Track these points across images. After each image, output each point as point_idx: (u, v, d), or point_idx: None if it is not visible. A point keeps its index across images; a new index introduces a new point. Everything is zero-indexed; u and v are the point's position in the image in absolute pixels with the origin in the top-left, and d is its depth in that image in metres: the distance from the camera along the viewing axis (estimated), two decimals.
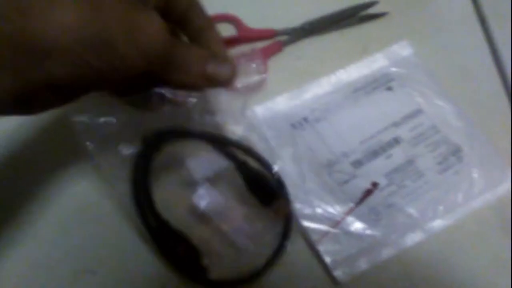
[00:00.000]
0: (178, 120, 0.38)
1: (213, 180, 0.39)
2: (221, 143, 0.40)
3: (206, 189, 0.39)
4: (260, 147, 0.43)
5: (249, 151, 0.41)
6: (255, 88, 0.46)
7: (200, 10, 0.35)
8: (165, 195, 0.40)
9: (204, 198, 0.39)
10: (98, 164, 0.37)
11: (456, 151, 0.44)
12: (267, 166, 0.40)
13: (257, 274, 0.39)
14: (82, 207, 0.41)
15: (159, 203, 0.39)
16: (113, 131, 0.36)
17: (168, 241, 0.39)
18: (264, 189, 0.40)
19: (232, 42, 0.48)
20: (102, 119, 0.36)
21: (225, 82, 0.35)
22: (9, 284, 0.39)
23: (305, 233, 0.40)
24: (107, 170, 0.38)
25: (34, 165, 0.43)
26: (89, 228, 0.41)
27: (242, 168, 0.40)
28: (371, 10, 0.50)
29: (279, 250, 0.39)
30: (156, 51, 0.29)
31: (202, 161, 0.40)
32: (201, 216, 0.39)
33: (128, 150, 0.38)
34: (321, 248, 0.40)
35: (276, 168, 0.40)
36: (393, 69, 0.48)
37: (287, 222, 0.40)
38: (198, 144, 0.40)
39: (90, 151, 0.36)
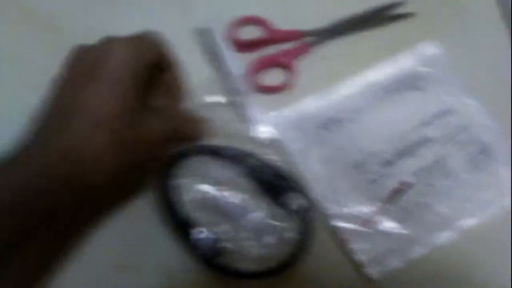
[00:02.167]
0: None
1: (232, 184, 0.42)
2: (234, 155, 0.43)
3: (227, 193, 0.42)
4: (287, 147, 0.44)
5: (257, 157, 0.43)
6: (282, 90, 0.47)
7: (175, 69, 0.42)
8: (193, 199, 0.42)
9: (225, 201, 0.41)
10: None
11: (485, 150, 0.45)
12: (276, 168, 0.43)
13: (283, 266, 0.40)
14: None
15: (188, 205, 0.41)
16: None
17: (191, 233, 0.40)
18: (274, 188, 0.42)
19: (259, 43, 0.49)
20: None
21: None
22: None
23: (334, 232, 0.41)
24: None
25: None
26: (121, 224, 0.42)
27: (254, 172, 0.42)
28: (398, 10, 0.50)
29: (301, 244, 0.40)
30: (160, 143, 0.38)
31: (221, 168, 0.43)
32: (225, 215, 0.41)
33: None
34: (353, 246, 0.40)
35: (286, 169, 0.43)
36: (421, 68, 0.48)
37: (305, 218, 0.41)
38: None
39: None
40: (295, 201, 0.41)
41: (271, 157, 0.43)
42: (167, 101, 0.42)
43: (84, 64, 0.36)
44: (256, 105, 0.46)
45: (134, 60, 0.36)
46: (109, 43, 0.37)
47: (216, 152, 0.43)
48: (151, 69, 0.38)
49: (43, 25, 0.50)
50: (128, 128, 0.35)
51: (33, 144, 0.34)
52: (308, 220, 0.40)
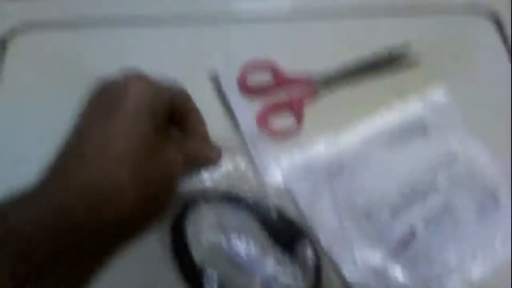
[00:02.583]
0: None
1: (244, 234, 0.43)
2: (245, 202, 0.44)
3: (238, 242, 0.42)
4: (296, 194, 0.44)
5: (269, 209, 0.44)
6: (291, 134, 0.48)
7: (196, 113, 0.42)
8: (204, 245, 0.42)
9: (236, 250, 0.42)
10: None
11: (493, 197, 0.45)
12: (287, 217, 0.43)
13: None
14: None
15: (200, 253, 0.42)
16: None
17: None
18: (286, 239, 0.42)
19: (269, 88, 0.50)
20: None
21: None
22: None
23: (344, 281, 0.41)
24: None
25: None
26: (132, 267, 0.42)
27: (265, 222, 0.43)
28: (405, 56, 0.51)
29: None
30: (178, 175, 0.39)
31: (233, 216, 0.43)
32: (236, 264, 0.41)
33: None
34: None
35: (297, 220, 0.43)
36: (428, 114, 0.49)
37: (317, 269, 0.41)
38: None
39: None
40: (307, 252, 0.41)
41: (281, 203, 0.44)
42: (188, 143, 0.42)
43: (104, 99, 0.37)
44: (266, 150, 0.46)
45: (151, 97, 0.37)
46: (127, 79, 0.37)
47: (227, 199, 0.44)
48: (169, 107, 0.39)
49: (68, 66, 0.51)
50: (148, 163, 0.35)
51: (51, 178, 0.34)
52: (319, 271, 0.41)
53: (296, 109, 0.49)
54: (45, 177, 0.34)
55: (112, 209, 0.33)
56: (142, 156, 0.35)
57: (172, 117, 0.40)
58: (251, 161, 0.46)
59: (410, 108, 0.49)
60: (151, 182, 0.35)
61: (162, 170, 0.36)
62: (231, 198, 0.44)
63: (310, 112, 0.49)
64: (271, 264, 0.41)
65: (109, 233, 0.34)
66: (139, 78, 0.38)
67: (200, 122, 0.42)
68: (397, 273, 0.41)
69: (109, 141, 0.34)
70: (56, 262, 0.33)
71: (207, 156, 0.43)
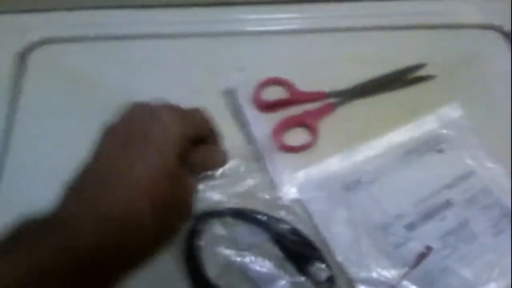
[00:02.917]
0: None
1: (257, 250, 0.42)
2: (259, 218, 0.44)
3: (251, 258, 0.42)
4: (311, 208, 0.44)
5: (283, 224, 0.44)
6: (306, 149, 0.48)
7: (215, 135, 0.43)
8: (218, 262, 0.42)
9: (249, 266, 0.42)
10: None
11: (509, 213, 0.45)
12: (302, 235, 0.43)
13: None
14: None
15: (213, 270, 0.42)
16: None
17: None
18: (300, 257, 0.42)
19: (283, 104, 0.50)
20: None
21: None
22: None
23: None
24: None
25: None
26: (148, 286, 0.42)
27: (279, 239, 0.43)
28: (420, 73, 0.52)
29: None
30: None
31: (247, 232, 0.43)
32: (249, 281, 0.41)
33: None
34: None
35: (311, 235, 0.43)
36: (444, 131, 0.49)
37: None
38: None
39: None
40: (321, 272, 0.41)
41: (296, 218, 0.44)
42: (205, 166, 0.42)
43: (131, 127, 0.37)
44: (280, 165, 0.47)
45: (178, 128, 0.37)
46: (160, 110, 0.38)
47: (241, 215, 0.44)
48: (193, 134, 0.39)
49: (87, 80, 0.52)
50: (168, 192, 0.36)
51: (74, 206, 0.34)
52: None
53: (311, 124, 0.49)
54: (67, 202, 0.34)
55: (133, 242, 0.34)
56: (164, 186, 0.35)
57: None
58: (266, 175, 0.46)
59: (425, 124, 0.49)
60: (170, 211, 0.36)
61: (180, 196, 0.37)
62: (244, 214, 0.44)
63: (325, 127, 0.49)
64: (285, 280, 0.41)
65: (127, 259, 0.35)
66: (173, 110, 0.38)
67: (217, 141, 0.43)
68: None
69: (133, 171, 0.35)
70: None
71: (213, 159, 0.42)
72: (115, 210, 0.34)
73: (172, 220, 0.37)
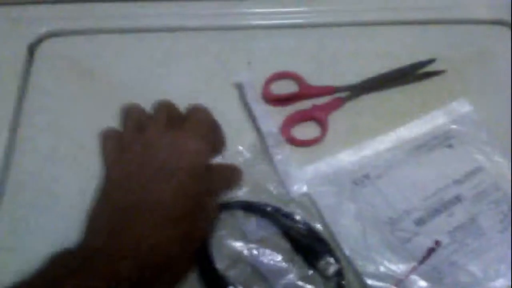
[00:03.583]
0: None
1: (266, 243, 0.43)
2: (268, 211, 0.44)
3: (260, 251, 0.42)
4: (320, 203, 0.44)
5: (292, 217, 0.44)
6: (315, 144, 0.48)
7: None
8: (227, 254, 0.42)
9: (258, 259, 0.42)
10: None
11: None
12: (310, 228, 0.43)
13: None
14: None
15: (222, 262, 0.42)
16: None
17: None
18: (309, 251, 0.42)
19: (293, 98, 0.50)
20: None
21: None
22: None
23: None
24: None
25: None
26: None
27: (288, 232, 0.43)
28: (429, 68, 0.51)
29: None
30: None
31: (256, 225, 0.43)
32: (259, 274, 0.41)
33: None
34: None
35: (320, 228, 0.43)
36: (453, 126, 0.49)
37: (339, 284, 0.41)
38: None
39: None
40: (330, 266, 0.41)
41: (304, 212, 0.44)
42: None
43: (162, 155, 0.39)
44: (289, 159, 0.47)
45: (206, 155, 0.40)
46: (184, 137, 0.40)
47: (251, 208, 0.44)
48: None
49: (95, 72, 0.52)
50: (194, 222, 0.38)
51: (103, 237, 0.35)
52: (342, 287, 0.41)
53: (320, 118, 0.49)
54: (98, 233, 0.36)
55: (160, 269, 0.35)
56: (190, 218, 0.37)
57: None
58: (275, 169, 0.46)
59: (434, 120, 0.49)
60: (192, 240, 0.38)
61: (203, 221, 0.39)
62: (254, 207, 0.44)
63: (334, 121, 0.49)
64: (294, 273, 0.41)
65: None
66: (198, 137, 0.40)
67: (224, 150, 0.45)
68: (421, 283, 0.41)
69: (164, 201, 0.36)
70: None
71: (229, 179, 0.44)
72: (144, 234, 0.35)
73: (196, 244, 0.39)
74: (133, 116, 0.44)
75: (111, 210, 0.37)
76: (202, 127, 0.42)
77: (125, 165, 0.39)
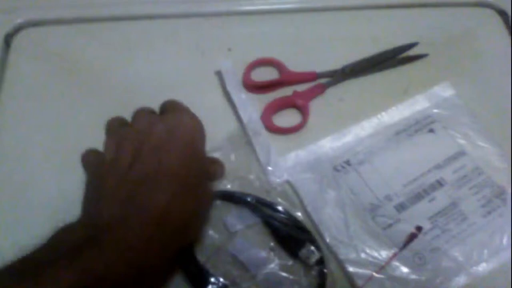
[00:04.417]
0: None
1: (247, 233, 0.42)
2: (248, 200, 0.44)
3: (241, 241, 0.42)
4: (301, 190, 0.44)
5: (273, 207, 0.43)
6: (297, 131, 0.48)
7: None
8: (208, 245, 0.42)
9: (239, 249, 0.42)
10: None
11: (500, 193, 0.45)
12: (291, 217, 0.43)
13: None
14: None
15: (203, 253, 0.41)
16: None
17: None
18: (290, 239, 0.42)
19: (274, 85, 0.50)
20: None
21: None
22: None
23: (350, 278, 0.41)
24: None
25: None
26: None
27: (269, 221, 0.43)
28: (411, 52, 0.51)
29: None
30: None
31: (236, 215, 0.43)
32: (240, 264, 0.41)
33: None
34: None
35: (301, 217, 0.43)
36: (435, 110, 0.48)
37: (321, 273, 0.41)
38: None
39: None
40: (312, 255, 0.41)
41: (286, 201, 0.44)
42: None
43: (157, 132, 0.38)
44: (270, 147, 0.46)
45: (199, 126, 0.40)
46: (176, 112, 0.41)
47: (231, 198, 0.43)
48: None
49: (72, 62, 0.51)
50: (202, 187, 0.39)
51: (110, 210, 0.35)
52: (324, 275, 0.40)
53: (301, 105, 0.48)
54: (104, 207, 0.35)
55: (182, 234, 0.36)
56: (200, 182, 0.38)
57: None
58: (255, 157, 0.46)
59: (416, 104, 0.49)
60: (203, 199, 0.39)
61: (208, 189, 0.40)
62: (234, 197, 0.44)
63: (316, 108, 0.48)
64: (275, 263, 0.41)
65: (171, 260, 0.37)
66: (190, 113, 0.40)
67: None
68: (403, 269, 0.41)
69: (173, 168, 0.36)
70: None
71: (215, 173, 0.44)
72: (159, 210, 0.34)
73: (204, 210, 0.40)
74: (114, 123, 0.43)
75: (118, 182, 0.36)
76: (188, 110, 0.42)
77: (122, 151, 0.38)
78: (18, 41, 0.52)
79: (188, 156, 0.37)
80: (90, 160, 0.41)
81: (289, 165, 0.46)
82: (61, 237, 0.33)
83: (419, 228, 0.43)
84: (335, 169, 0.46)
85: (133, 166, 0.36)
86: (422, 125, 0.48)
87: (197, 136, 0.40)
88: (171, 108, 0.42)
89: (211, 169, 0.43)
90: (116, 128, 0.41)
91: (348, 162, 0.46)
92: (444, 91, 0.49)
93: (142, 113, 0.41)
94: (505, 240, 0.43)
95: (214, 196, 0.43)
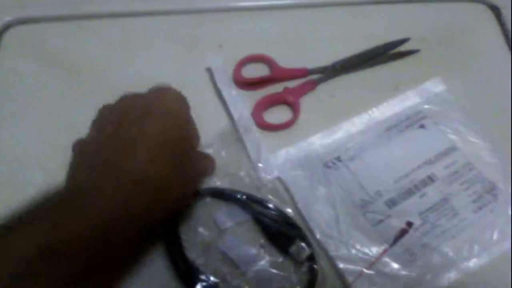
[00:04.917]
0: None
1: (237, 230, 0.42)
2: (238, 197, 0.43)
3: (231, 238, 0.42)
4: (291, 187, 0.44)
5: (263, 203, 0.43)
6: (288, 127, 0.47)
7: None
8: (197, 243, 0.42)
9: (229, 246, 0.41)
10: None
11: (491, 189, 0.45)
12: (282, 214, 0.43)
13: None
14: None
15: (193, 250, 0.41)
16: None
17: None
18: (280, 236, 0.42)
19: (265, 81, 0.49)
20: None
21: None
22: None
23: (339, 274, 0.41)
24: None
25: None
26: None
27: (259, 218, 0.42)
28: (403, 48, 0.51)
29: None
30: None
31: (226, 212, 0.43)
32: (230, 261, 0.41)
33: None
34: None
35: (291, 214, 0.43)
36: (426, 106, 0.48)
37: (311, 269, 0.41)
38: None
39: None
40: (302, 251, 0.41)
41: (276, 197, 0.44)
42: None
43: (138, 106, 0.38)
44: (261, 144, 0.46)
45: (184, 101, 0.40)
46: (159, 89, 0.40)
47: (221, 195, 0.43)
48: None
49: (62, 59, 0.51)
50: (186, 154, 0.37)
51: (87, 176, 0.34)
52: (314, 271, 0.40)
53: (292, 102, 0.48)
54: (81, 173, 0.35)
55: (158, 203, 0.34)
56: (180, 147, 0.37)
57: None
58: (246, 154, 0.45)
59: (407, 100, 0.49)
60: (187, 171, 0.37)
61: (194, 167, 0.39)
62: (224, 194, 0.43)
63: (307, 104, 0.48)
64: (265, 260, 0.41)
65: (150, 222, 0.35)
66: (171, 89, 0.40)
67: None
68: (393, 265, 0.41)
69: (150, 132, 0.35)
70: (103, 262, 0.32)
71: (206, 168, 0.43)
72: (136, 171, 0.33)
73: (188, 181, 0.38)
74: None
75: (92, 153, 0.36)
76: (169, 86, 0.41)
77: (104, 126, 0.37)
78: (7, 39, 0.52)
79: (169, 123, 0.37)
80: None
81: (279, 162, 0.45)
82: (36, 204, 0.32)
83: (409, 224, 0.43)
84: (326, 165, 0.45)
85: (113, 135, 0.36)
86: (413, 120, 0.47)
87: (178, 105, 0.39)
88: (153, 88, 0.41)
89: (203, 164, 0.43)
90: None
91: (338, 159, 0.46)
92: (435, 86, 0.49)
93: (124, 96, 0.41)
94: (496, 236, 0.43)
95: (203, 167, 0.43)
